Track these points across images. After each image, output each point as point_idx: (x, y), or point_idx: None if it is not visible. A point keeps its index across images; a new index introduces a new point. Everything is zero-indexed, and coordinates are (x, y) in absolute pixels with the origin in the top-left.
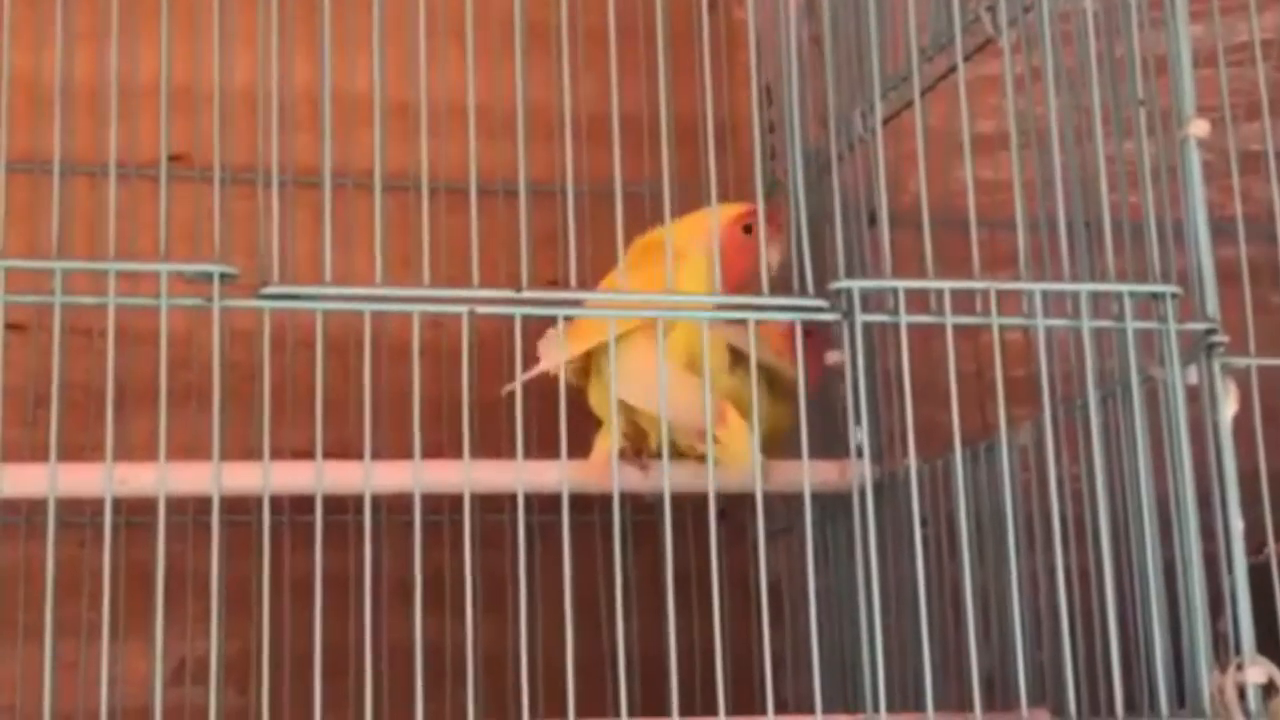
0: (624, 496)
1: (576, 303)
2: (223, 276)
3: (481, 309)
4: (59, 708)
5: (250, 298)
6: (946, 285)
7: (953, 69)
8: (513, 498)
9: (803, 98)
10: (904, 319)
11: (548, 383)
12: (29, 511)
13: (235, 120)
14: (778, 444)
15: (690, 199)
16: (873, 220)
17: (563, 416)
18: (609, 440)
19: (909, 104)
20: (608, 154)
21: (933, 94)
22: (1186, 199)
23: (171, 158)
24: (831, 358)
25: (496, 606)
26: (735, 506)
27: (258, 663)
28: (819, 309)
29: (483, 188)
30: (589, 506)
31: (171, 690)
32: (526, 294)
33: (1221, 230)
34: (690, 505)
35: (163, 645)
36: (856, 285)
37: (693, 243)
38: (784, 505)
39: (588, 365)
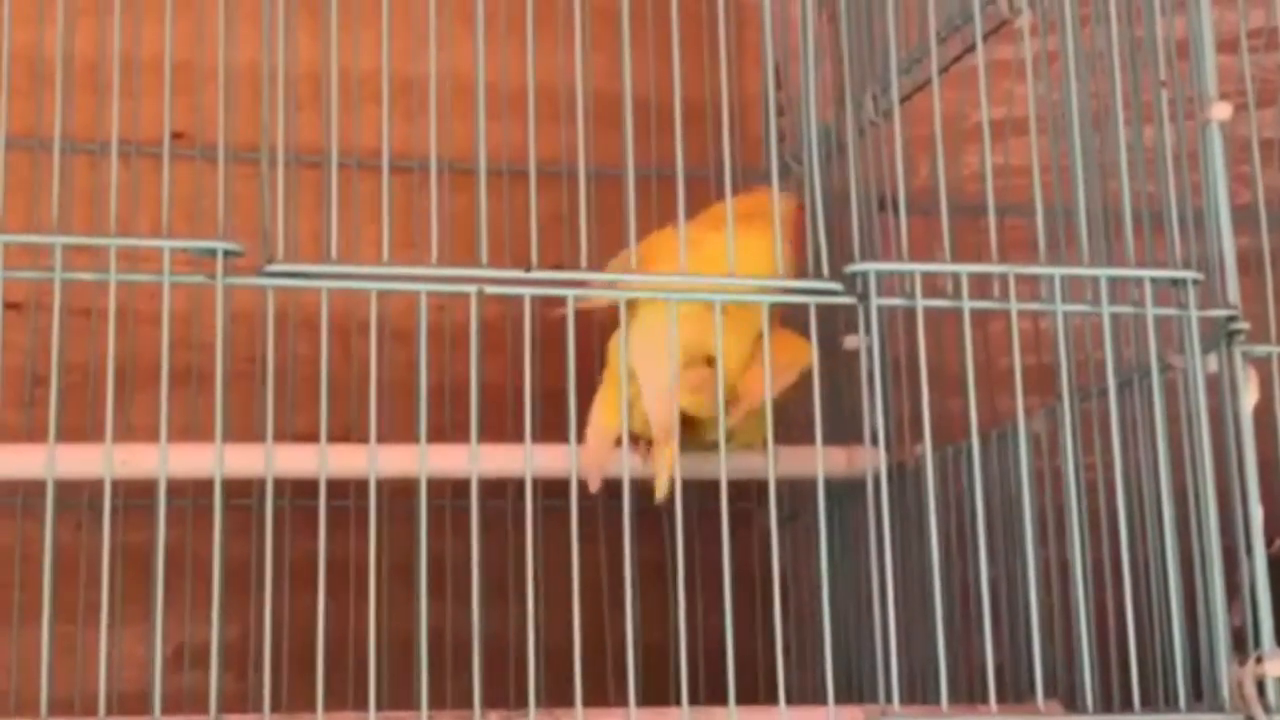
0: (619, 484)
1: (585, 283)
2: (226, 253)
3: (490, 289)
4: (56, 692)
5: (255, 275)
6: (964, 269)
7: (967, 50)
8: (513, 483)
9: (817, 80)
10: (920, 303)
11: (552, 367)
12: (25, 493)
13: (237, 98)
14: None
15: (698, 182)
16: (882, 205)
17: (572, 403)
18: (604, 417)
19: (920, 87)
20: (612, 136)
21: (942, 80)
22: (1208, 184)
23: (174, 135)
24: (850, 342)
25: (495, 592)
26: (740, 494)
27: (257, 648)
28: (835, 292)
29: (488, 168)
30: (589, 492)
31: (170, 675)
32: (535, 274)
33: (1237, 218)
34: (694, 492)
35: (164, 629)
36: (873, 268)
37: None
38: (789, 492)
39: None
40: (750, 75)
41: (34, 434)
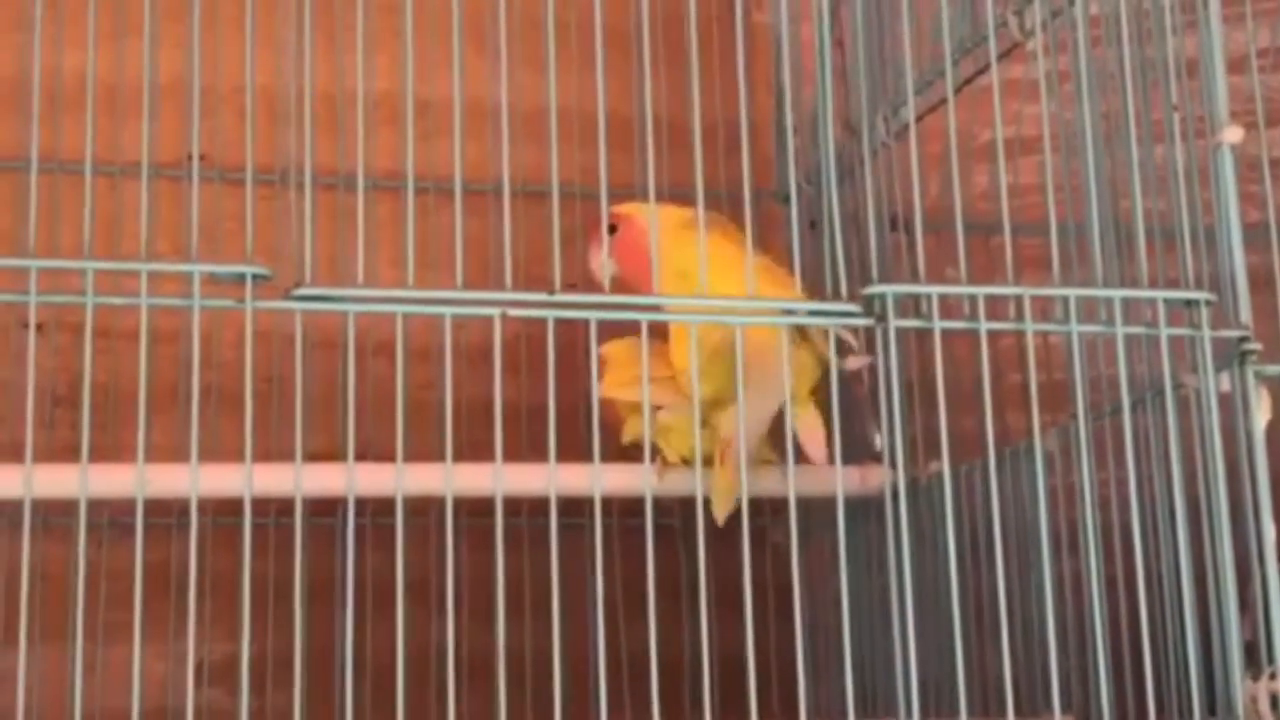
0: (631, 501)
1: (609, 306)
2: (255, 277)
3: (513, 312)
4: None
5: (283, 299)
6: (980, 291)
7: (979, 72)
8: (528, 501)
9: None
10: (938, 324)
11: (568, 387)
12: (45, 512)
13: (255, 121)
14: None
15: (709, 203)
16: (893, 224)
17: (595, 421)
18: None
19: (931, 109)
20: (623, 157)
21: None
22: (1220, 206)
23: (191, 158)
24: (853, 362)
25: (510, 609)
26: (754, 512)
27: (275, 665)
28: (852, 314)
29: (498, 189)
30: (607, 510)
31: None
32: (559, 297)
33: (1247, 236)
34: (707, 510)
35: (181, 647)
36: (890, 290)
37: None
38: (802, 510)
39: None
40: (758, 97)
41: (54, 454)
